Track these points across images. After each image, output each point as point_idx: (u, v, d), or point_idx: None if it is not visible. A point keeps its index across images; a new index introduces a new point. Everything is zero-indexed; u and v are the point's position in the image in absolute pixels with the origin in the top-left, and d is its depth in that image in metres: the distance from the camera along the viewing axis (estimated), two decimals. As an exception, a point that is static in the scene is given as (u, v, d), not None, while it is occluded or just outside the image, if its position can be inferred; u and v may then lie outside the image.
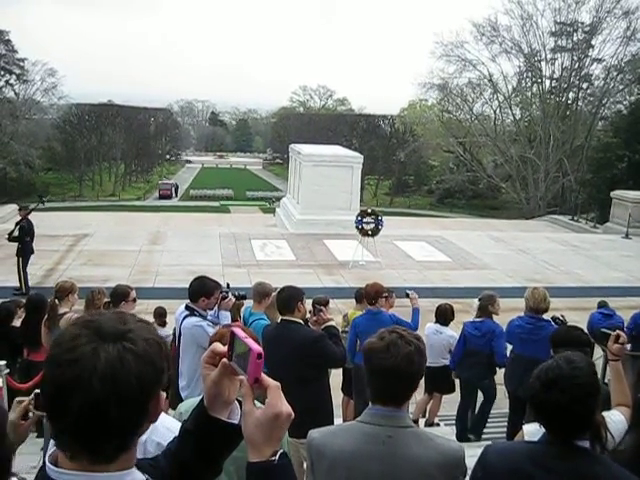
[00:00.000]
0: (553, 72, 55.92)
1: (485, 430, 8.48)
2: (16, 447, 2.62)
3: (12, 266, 15.04)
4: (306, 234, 22.81)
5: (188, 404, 3.73)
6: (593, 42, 53.59)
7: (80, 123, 76.04)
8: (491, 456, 2.76)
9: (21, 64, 63.51)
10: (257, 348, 1.43)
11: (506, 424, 7.93)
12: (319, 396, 5.56)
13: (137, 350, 1.37)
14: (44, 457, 2.67)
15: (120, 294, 6.67)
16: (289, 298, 5.63)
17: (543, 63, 55.90)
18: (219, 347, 1.56)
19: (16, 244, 14.93)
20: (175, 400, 5.72)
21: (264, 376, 1.45)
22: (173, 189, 76.83)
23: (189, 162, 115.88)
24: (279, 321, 5.76)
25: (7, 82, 64.69)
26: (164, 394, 1.47)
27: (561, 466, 2.51)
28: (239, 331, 1.52)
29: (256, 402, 1.49)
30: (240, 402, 1.56)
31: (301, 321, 5.63)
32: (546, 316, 7.24)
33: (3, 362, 6.94)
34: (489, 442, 7.43)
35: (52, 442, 1.45)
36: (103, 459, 1.40)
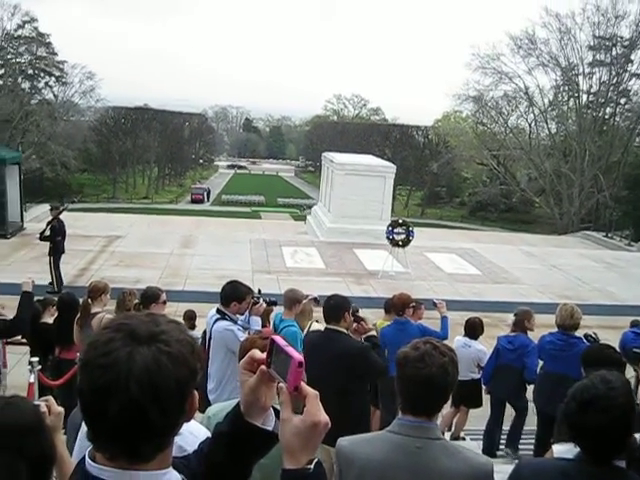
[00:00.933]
0: (590, 86, 55.29)
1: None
2: None
3: (46, 265, 15.27)
4: (336, 242, 22.83)
5: (216, 408, 3.75)
6: (632, 57, 52.93)
7: (116, 126, 76.93)
8: (525, 472, 2.73)
9: (61, 66, 64.39)
10: (298, 357, 1.45)
11: (533, 441, 7.84)
12: (362, 407, 5.51)
13: (171, 351, 1.38)
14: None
15: (150, 296, 6.73)
16: (337, 307, 5.56)
17: (580, 77, 55.31)
18: (257, 354, 1.57)
19: (48, 243, 15.19)
20: (203, 403, 5.74)
21: (303, 384, 1.46)
22: (205, 194, 77.38)
23: (241, 167, 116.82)
24: (323, 329, 5.72)
25: (47, 84, 65.63)
26: (197, 393, 1.49)
27: None
28: (279, 339, 1.52)
29: None
30: (275, 409, 1.58)
31: (345, 331, 5.59)
32: (578, 333, 7.16)
33: (35, 359, 7.06)
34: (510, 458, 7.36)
35: (81, 437, 1.46)
36: (142, 459, 1.42)
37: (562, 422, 2.85)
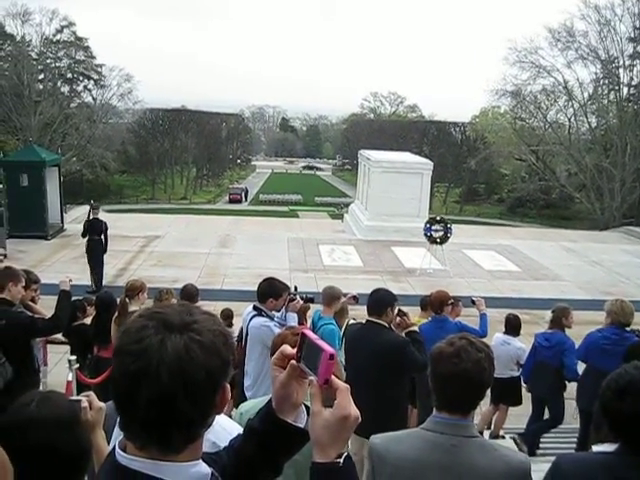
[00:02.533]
0: (631, 79, 54.21)
1: (551, 445, 8.25)
2: None
3: (86, 265, 15.48)
4: (374, 240, 22.77)
5: (249, 405, 3.75)
6: (675, 49, 51.87)
7: (154, 127, 77.96)
8: (565, 466, 2.69)
9: (99, 70, 65.39)
10: (330, 349, 1.44)
11: (574, 440, 7.71)
12: (397, 401, 5.51)
13: (203, 341, 1.38)
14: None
15: (188, 294, 6.82)
16: (381, 300, 5.62)
17: (621, 70, 54.23)
18: (288, 349, 1.56)
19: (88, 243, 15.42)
20: (239, 399, 5.75)
21: (334, 378, 1.45)
22: (243, 194, 77.94)
23: (319, 169, 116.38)
24: (364, 321, 5.73)
25: (85, 87, 66.78)
26: (229, 386, 1.47)
27: (638, 477, 2.45)
28: (310, 333, 1.52)
29: None
30: (307, 406, 1.57)
31: (386, 325, 5.59)
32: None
33: (74, 357, 7.15)
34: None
35: (117, 431, 1.46)
36: (172, 450, 1.41)
37: (599, 422, 2.81)
